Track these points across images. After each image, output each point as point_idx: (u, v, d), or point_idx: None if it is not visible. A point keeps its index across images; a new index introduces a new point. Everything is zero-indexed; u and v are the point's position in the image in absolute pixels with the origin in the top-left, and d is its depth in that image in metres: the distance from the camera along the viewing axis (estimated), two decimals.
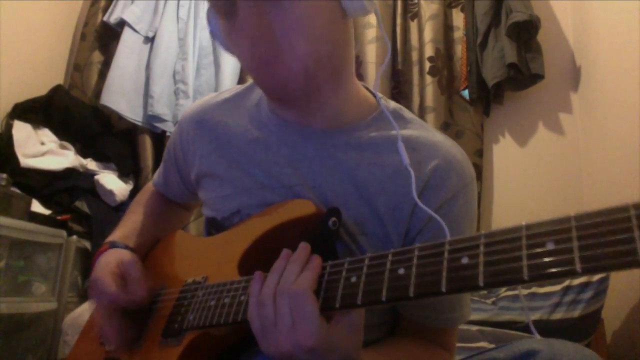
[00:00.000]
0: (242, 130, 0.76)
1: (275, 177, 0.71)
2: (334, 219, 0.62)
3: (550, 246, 0.37)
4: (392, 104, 0.76)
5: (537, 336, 0.60)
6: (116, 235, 0.83)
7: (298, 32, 0.61)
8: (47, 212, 1.68)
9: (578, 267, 0.35)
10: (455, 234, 0.66)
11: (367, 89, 0.77)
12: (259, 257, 0.66)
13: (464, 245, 0.42)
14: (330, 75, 0.67)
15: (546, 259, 0.37)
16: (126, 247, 0.79)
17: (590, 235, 0.36)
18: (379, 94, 0.76)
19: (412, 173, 0.65)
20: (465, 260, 0.41)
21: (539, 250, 0.38)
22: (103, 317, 0.70)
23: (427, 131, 0.73)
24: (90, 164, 1.91)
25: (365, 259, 0.49)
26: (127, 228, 0.85)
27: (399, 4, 2.04)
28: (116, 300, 0.69)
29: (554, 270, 0.36)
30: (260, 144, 0.74)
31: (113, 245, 0.79)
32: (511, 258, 0.39)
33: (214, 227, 0.76)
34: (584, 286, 1.31)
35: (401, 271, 0.45)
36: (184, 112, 0.86)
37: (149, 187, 0.97)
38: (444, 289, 0.41)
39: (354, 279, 0.48)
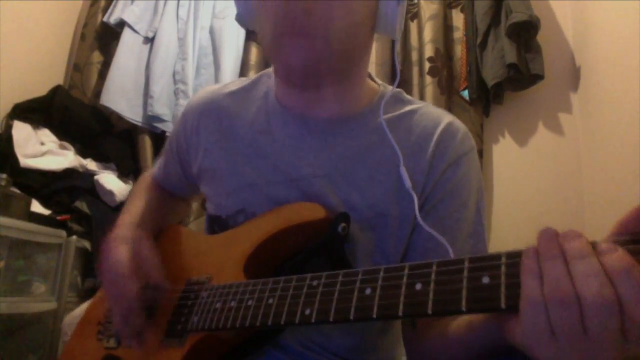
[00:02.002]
0: (249, 122, 0.76)
1: (282, 170, 0.71)
2: (343, 224, 0.62)
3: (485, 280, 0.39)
4: (393, 90, 0.78)
5: None
6: (127, 218, 0.81)
7: (346, 3, 0.62)
8: (46, 212, 1.67)
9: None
10: (458, 198, 0.70)
11: (370, 76, 0.80)
12: (265, 260, 0.66)
13: (485, 264, 0.41)
14: (348, 64, 0.69)
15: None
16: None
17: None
18: (380, 81, 0.79)
19: (415, 197, 0.66)
20: (486, 280, 0.40)
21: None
22: (119, 294, 0.66)
23: (429, 106, 0.77)
24: (90, 164, 1.90)
25: (380, 270, 0.47)
26: (135, 213, 0.84)
27: None
28: (161, 277, 0.67)
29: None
30: (267, 136, 0.74)
31: (127, 224, 0.77)
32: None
33: (217, 224, 0.75)
34: None
35: (418, 286, 0.43)
36: (189, 102, 0.85)
37: (147, 177, 0.96)
38: (464, 308, 0.40)
39: (368, 291, 0.46)
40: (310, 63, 0.63)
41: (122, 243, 0.71)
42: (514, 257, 0.39)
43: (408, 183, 0.67)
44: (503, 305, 0.38)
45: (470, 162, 0.73)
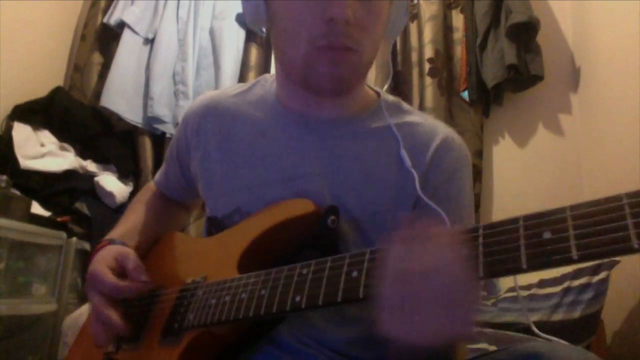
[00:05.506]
0: (249, 124, 0.77)
1: (280, 169, 0.72)
2: (332, 217, 0.63)
3: (547, 235, 0.39)
4: (392, 98, 0.79)
5: (542, 335, 0.61)
6: (115, 233, 0.82)
7: (376, 22, 0.67)
8: (47, 213, 1.68)
9: (574, 254, 0.37)
10: (455, 210, 0.71)
11: (368, 86, 0.82)
12: (259, 257, 0.66)
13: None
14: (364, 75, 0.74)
15: (543, 248, 0.39)
16: (124, 245, 0.77)
17: (585, 224, 0.37)
18: (379, 89, 0.81)
19: (416, 175, 0.68)
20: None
21: (536, 239, 0.39)
22: (99, 312, 0.67)
23: (426, 118, 0.79)
24: (90, 166, 1.91)
25: (367, 253, 0.50)
26: (127, 227, 0.84)
27: None
28: (116, 289, 0.67)
29: (552, 258, 0.38)
30: (267, 137, 0.75)
31: (111, 242, 0.77)
32: (510, 248, 0.40)
33: (214, 225, 0.76)
34: (584, 287, 1.31)
35: None
36: (190, 108, 0.86)
37: (149, 187, 0.97)
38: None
39: (355, 274, 0.49)
40: (347, 74, 0.67)
41: (105, 257, 0.72)
42: (492, 228, 0.43)
43: (408, 162, 0.69)
44: (481, 274, 0.42)
45: (465, 176, 0.75)
